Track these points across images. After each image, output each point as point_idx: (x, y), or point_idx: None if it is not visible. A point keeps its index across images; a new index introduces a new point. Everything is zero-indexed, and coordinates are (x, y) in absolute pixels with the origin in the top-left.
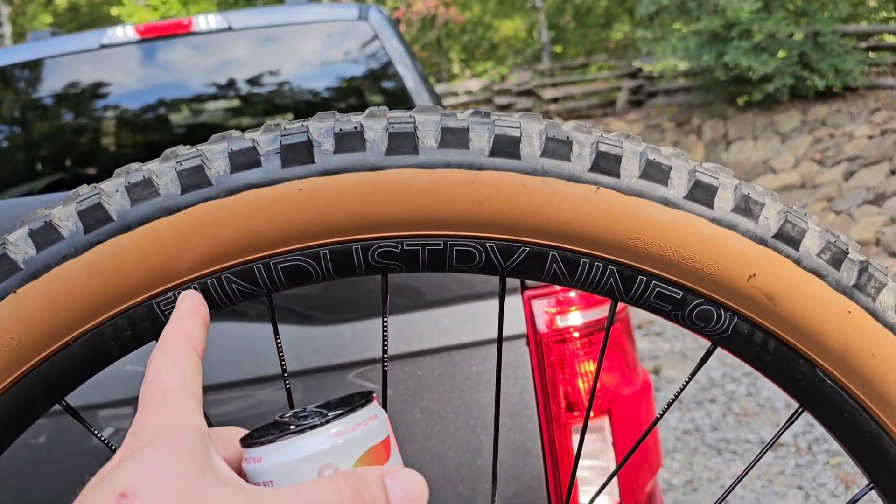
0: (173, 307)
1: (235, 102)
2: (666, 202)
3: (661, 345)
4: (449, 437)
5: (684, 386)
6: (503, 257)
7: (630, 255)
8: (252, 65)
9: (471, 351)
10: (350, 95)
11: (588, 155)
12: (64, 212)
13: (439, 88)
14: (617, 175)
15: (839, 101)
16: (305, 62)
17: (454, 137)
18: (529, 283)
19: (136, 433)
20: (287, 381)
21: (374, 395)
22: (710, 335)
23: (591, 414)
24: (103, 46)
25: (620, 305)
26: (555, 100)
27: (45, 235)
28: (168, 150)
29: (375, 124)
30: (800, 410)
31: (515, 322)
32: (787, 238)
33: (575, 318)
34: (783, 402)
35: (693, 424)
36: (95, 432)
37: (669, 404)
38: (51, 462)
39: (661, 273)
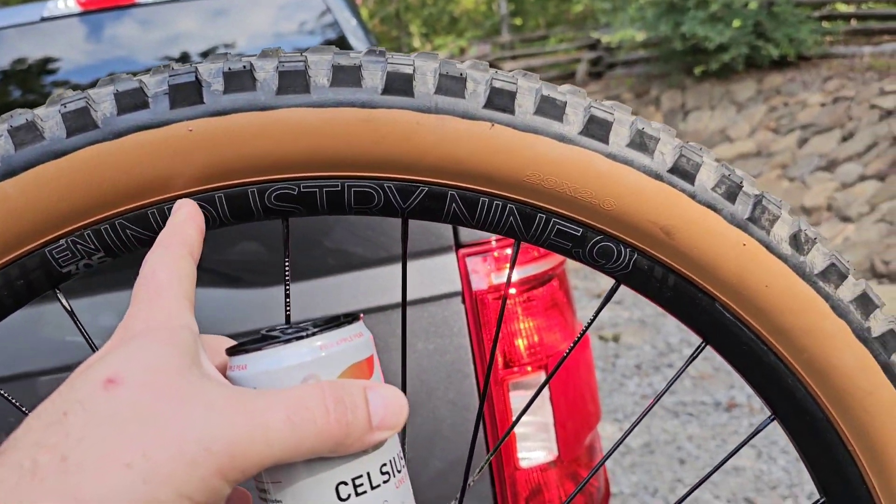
0: (67, 255)
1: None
2: (561, 138)
3: (621, 313)
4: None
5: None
6: (402, 198)
7: (528, 192)
8: (201, 38)
9: (415, 307)
10: None
11: (483, 92)
12: None
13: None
14: (511, 111)
15: (793, 70)
16: (256, 35)
17: (346, 76)
18: (464, 240)
19: (127, 326)
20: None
21: (361, 315)
22: (612, 272)
23: (530, 370)
24: (44, 20)
25: (558, 259)
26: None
27: None
28: (55, 94)
29: (267, 64)
30: (703, 345)
31: (450, 280)
32: (682, 172)
33: (514, 275)
34: None
35: (651, 389)
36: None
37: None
38: None
39: (559, 210)
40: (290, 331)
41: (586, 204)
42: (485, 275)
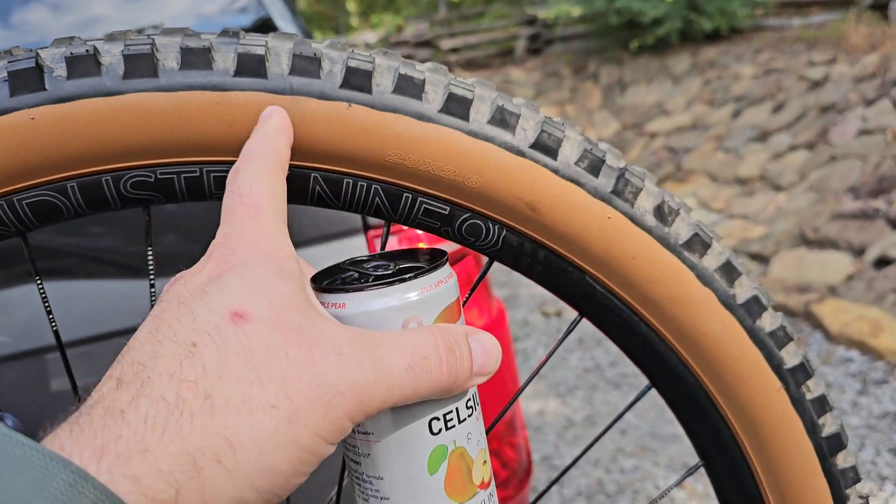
0: None
1: None
2: (421, 116)
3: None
4: None
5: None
6: None
7: (391, 172)
8: (119, 21)
9: None
10: None
11: (339, 71)
12: None
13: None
14: (369, 91)
15: (726, 43)
16: (178, 17)
17: (196, 58)
18: (372, 222)
19: (230, 247)
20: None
21: (448, 253)
22: (483, 249)
23: None
24: None
25: None
26: (454, 50)
27: None
28: None
29: (113, 48)
30: (578, 318)
31: None
32: (545, 148)
33: None
34: None
35: (593, 362)
36: None
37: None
38: None
39: (424, 189)
40: (376, 267)
41: (451, 182)
42: None
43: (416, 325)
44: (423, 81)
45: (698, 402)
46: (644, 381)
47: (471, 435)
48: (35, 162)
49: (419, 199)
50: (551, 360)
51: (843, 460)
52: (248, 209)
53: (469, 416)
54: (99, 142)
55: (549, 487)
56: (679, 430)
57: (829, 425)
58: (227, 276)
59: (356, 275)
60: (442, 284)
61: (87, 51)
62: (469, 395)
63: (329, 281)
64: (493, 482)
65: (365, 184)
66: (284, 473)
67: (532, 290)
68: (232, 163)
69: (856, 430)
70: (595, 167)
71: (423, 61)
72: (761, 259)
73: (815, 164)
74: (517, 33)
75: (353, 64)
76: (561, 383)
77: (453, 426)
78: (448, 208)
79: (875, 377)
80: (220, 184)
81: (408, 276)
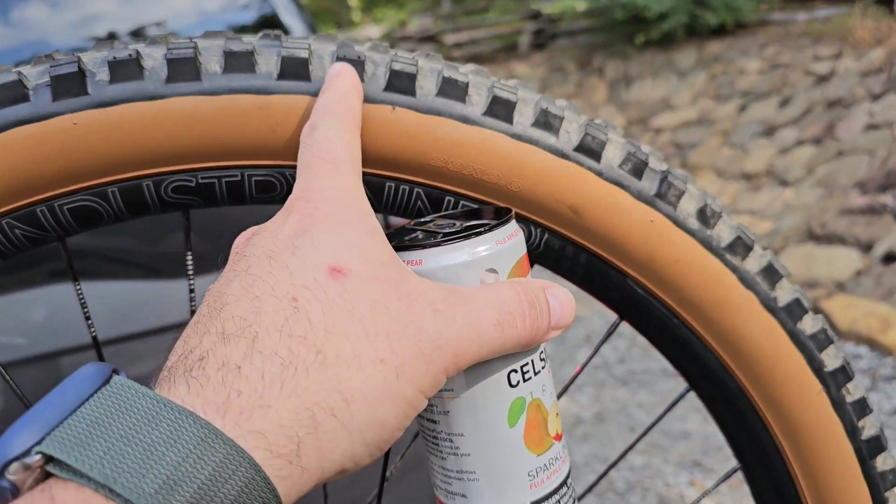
0: None
1: None
2: (465, 119)
3: (569, 285)
4: None
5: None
6: None
7: (434, 175)
8: (125, 17)
9: None
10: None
11: (383, 74)
12: None
13: (339, 37)
14: (413, 94)
15: (732, 38)
16: (183, 12)
17: (239, 61)
18: (393, 220)
19: (311, 200)
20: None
21: (513, 210)
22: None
23: None
24: None
25: None
26: (458, 45)
27: None
28: None
29: (155, 51)
30: (618, 321)
31: None
32: (588, 150)
33: None
34: None
35: (601, 359)
36: None
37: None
38: None
39: (466, 192)
40: (445, 226)
41: (493, 185)
42: None
43: (493, 280)
44: (467, 84)
45: (737, 404)
46: (656, 378)
47: (545, 387)
48: (78, 167)
49: (461, 202)
50: (559, 357)
51: (882, 463)
52: (326, 164)
53: (542, 367)
54: (141, 146)
55: (589, 489)
56: (689, 426)
57: (868, 428)
58: (315, 231)
59: (425, 234)
60: (514, 237)
61: (130, 55)
62: (542, 348)
63: (404, 238)
64: (565, 434)
65: (407, 187)
66: (391, 427)
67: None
68: (275, 167)
69: None
70: (638, 170)
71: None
72: None
73: (822, 160)
74: (522, 28)
75: (396, 67)
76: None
77: (530, 378)
78: None
79: (884, 373)
80: (262, 188)
81: (481, 229)
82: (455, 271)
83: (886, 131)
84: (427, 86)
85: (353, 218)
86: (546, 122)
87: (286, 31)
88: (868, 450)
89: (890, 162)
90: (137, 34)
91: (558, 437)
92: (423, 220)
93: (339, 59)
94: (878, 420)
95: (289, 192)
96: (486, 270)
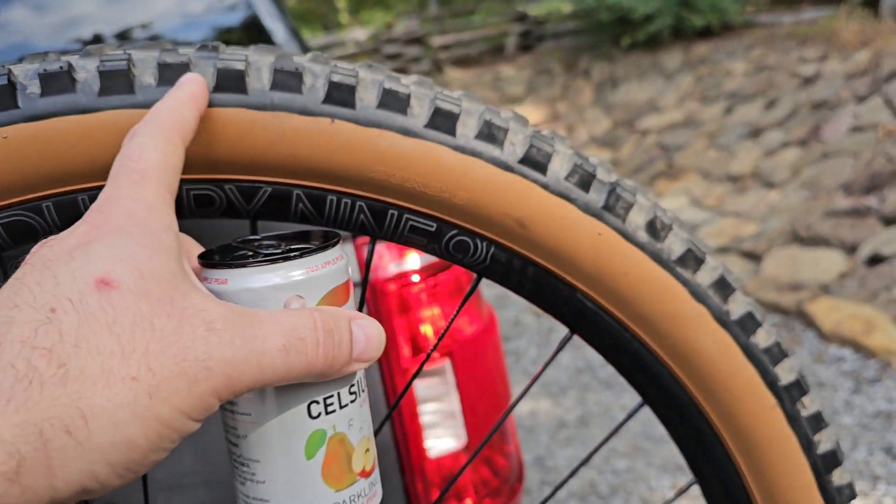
0: None
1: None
2: (406, 132)
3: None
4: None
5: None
6: (245, 199)
7: (376, 188)
8: (109, 20)
9: None
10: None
11: (321, 86)
12: None
13: (326, 39)
14: (353, 106)
15: (718, 39)
16: (163, 15)
17: (174, 74)
18: None
19: (106, 211)
20: None
21: (340, 236)
22: (471, 266)
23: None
24: None
25: None
26: (445, 47)
27: None
28: None
29: (88, 63)
30: (569, 336)
31: (349, 269)
32: (534, 163)
33: (413, 262)
34: None
35: (585, 362)
36: None
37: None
38: None
39: (411, 206)
40: (267, 246)
41: (437, 198)
42: (384, 264)
43: (299, 306)
44: (409, 96)
45: (692, 419)
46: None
47: (353, 421)
48: (9, 182)
49: (405, 215)
50: (543, 360)
51: (839, 477)
52: (133, 174)
53: (352, 401)
54: (74, 160)
55: (545, 501)
56: None
57: (824, 442)
58: (96, 242)
59: (245, 252)
60: (329, 266)
61: (62, 67)
62: (353, 381)
63: (211, 256)
64: (376, 471)
65: (349, 200)
66: (141, 448)
67: (514, 298)
68: (213, 180)
69: (849, 429)
70: (585, 182)
71: (414, 59)
72: (754, 257)
73: (808, 161)
74: (508, 30)
75: (335, 79)
76: (553, 383)
77: (333, 411)
78: (435, 225)
79: (868, 376)
80: (201, 202)
81: (293, 254)
82: (259, 294)
83: (871, 133)
84: (367, 97)
85: (141, 231)
86: (490, 133)
87: (268, 34)
88: (824, 464)
89: (875, 164)
90: (123, 37)
91: (365, 474)
92: (252, 238)
93: (276, 70)
94: (834, 434)
95: (229, 206)
96: (294, 296)
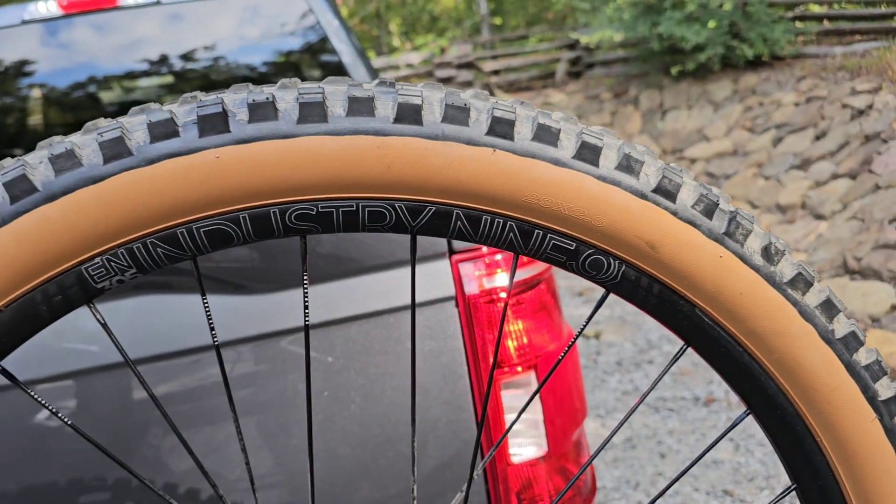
0: (102, 272)
1: (168, 79)
2: (556, 162)
3: (602, 311)
4: (385, 397)
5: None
6: (412, 216)
7: (526, 211)
8: (182, 41)
9: (403, 314)
10: (286, 71)
11: (485, 120)
12: None
13: (379, 62)
14: (511, 138)
15: (768, 70)
16: (238, 37)
17: (360, 106)
18: (457, 246)
19: None
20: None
21: None
22: (602, 282)
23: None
24: (24, 22)
25: (545, 265)
26: (495, 72)
27: None
28: (89, 123)
29: (287, 95)
30: (684, 348)
31: (445, 285)
32: (665, 192)
33: (502, 280)
34: None
35: (632, 385)
36: (35, 396)
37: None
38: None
39: (555, 227)
40: None
41: (579, 221)
42: (477, 279)
43: None
44: (559, 130)
45: (795, 428)
46: (687, 405)
47: None
48: (217, 196)
49: (549, 235)
50: (591, 381)
51: None
52: None
53: None
54: (272, 179)
55: None
56: (719, 455)
57: None
58: None
59: None
60: None
61: (267, 98)
62: None
63: None
64: None
65: (501, 221)
66: None
67: (571, 311)
68: (386, 199)
69: None
70: (709, 210)
71: (465, 83)
72: None
73: (858, 193)
74: (559, 56)
75: (497, 114)
76: (600, 405)
77: None
78: (574, 244)
79: None
80: (374, 217)
81: None
82: None
83: None
84: (524, 131)
85: None
86: (628, 165)
87: (336, 55)
88: None
89: None
90: (187, 58)
91: None
92: None
93: (447, 105)
94: None
95: (397, 222)
96: None
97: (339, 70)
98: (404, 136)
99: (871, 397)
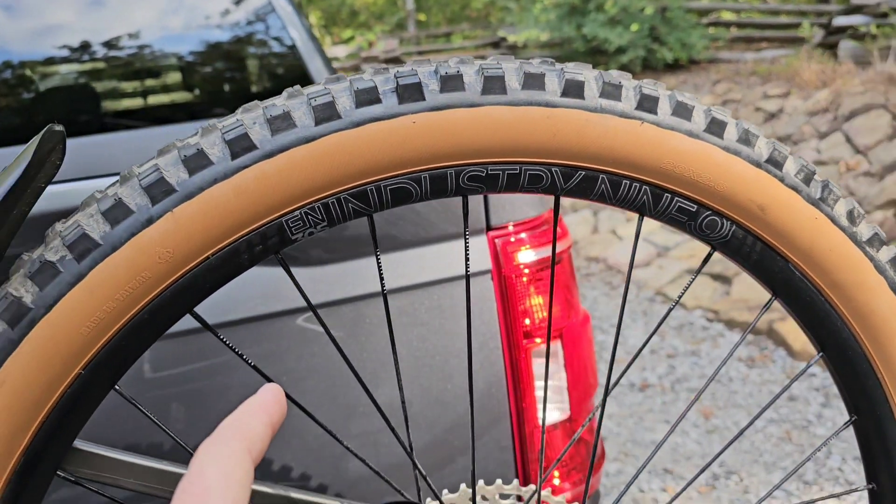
0: (299, 224)
1: (113, 62)
2: (690, 133)
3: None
4: (434, 364)
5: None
6: (564, 180)
7: (661, 176)
8: (132, 22)
9: (448, 285)
10: (236, 55)
11: (633, 96)
12: (208, 141)
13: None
14: (655, 113)
15: (685, 73)
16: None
17: (534, 81)
18: (493, 222)
19: None
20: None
21: None
22: (712, 241)
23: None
24: None
25: (567, 243)
26: None
27: (196, 161)
28: (291, 89)
29: (468, 69)
30: (772, 299)
31: (482, 259)
32: (775, 162)
33: (530, 256)
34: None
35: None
36: (224, 340)
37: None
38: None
39: (682, 191)
40: None
41: (704, 186)
42: (511, 255)
43: None
44: (693, 107)
45: (860, 367)
46: (634, 392)
47: None
48: (409, 157)
49: (676, 198)
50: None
51: None
52: (195, 495)
53: None
54: (456, 143)
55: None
56: (656, 436)
57: None
58: None
59: None
60: None
61: (457, 71)
62: None
63: None
64: None
65: (638, 185)
66: None
67: None
68: (546, 164)
69: (822, 439)
70: (808, 179)
71: None
72: (724, 280)
73: None
74: (484, 54)
75: (645, 91)
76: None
77: None
78: (696, 207)
79: (836, 391)
80: (532, 180)
81: None
82: None
83: (833, 167)
84: (665, 107)
85: None
86: (746, 138)
87: (291, 40)
88: None
89: None
90: (111, 44)
91: None
92: None
93: (604, 83)
94: None
95: (550, 185)
96: None
97: (293, 54)
98: (569, 108)
99: None
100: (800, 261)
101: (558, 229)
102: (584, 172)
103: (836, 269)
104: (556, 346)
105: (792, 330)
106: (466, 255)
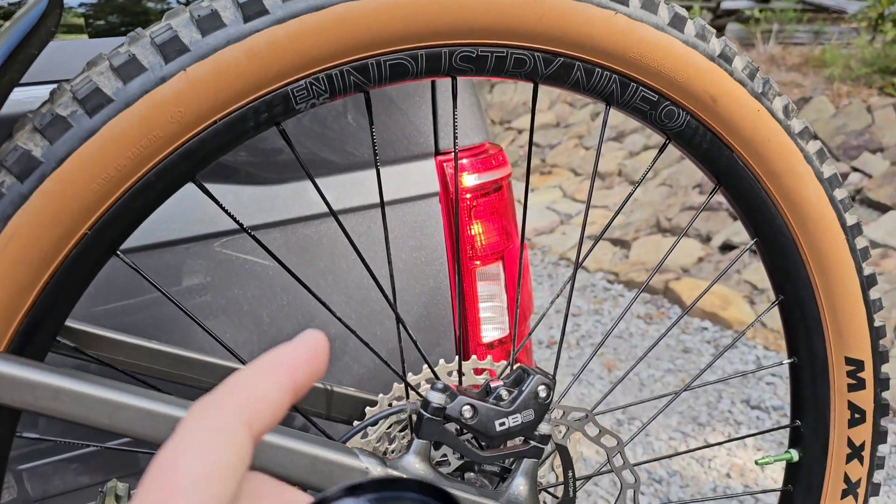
0: (304, 94)
1: None
2: (656, 26)
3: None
4: (384, 281)
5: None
6: (545, 65)
7: (630, 65)
8: None
9: (399, 206)
10: None
11: None
12: (220, 3)
13: None
14: (627, 4)
15: None
16: None
17: None
18: (441, 147)
19: None
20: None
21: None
22: (670, 130)
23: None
24: None
25: (506, 171)
26: None
27: (209, 22)
28: None
29: None
30: (717, 187)
31: (430, 182)
32: (726, 57)
33: (472, 180)
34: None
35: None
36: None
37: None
38: None
39: (646, 80)
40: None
41: (666, 76)
42: (459, 178)
43: None
44: (659, 2)
45: (789, 250)
46: (542, 349)
47: None
48: (411, 31)
49: (640, 88)
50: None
51: (874, 294)
52: (158, 497)
53: None
54: (452, 21)
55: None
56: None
57: (866, 271)
58: None
59: None
60: None
61: None
62: None
63: None
64: None
65: (608, 73)
66: None
67: None
68: (530, 48)
69: (713, 386)
70: (752, 74)
71: None
72: (623, 244)
73: (666, 163)
74: None
75: None
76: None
77: None
78: (657, 97)
79: (725, 343)
80: (517, 64)
81: None
82: None
83: None
84: (634, 1)
85: None
86: (703, 34)
87: None
88: (867, 282)
89: None
90: None
91: None
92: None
93: None
94: (871, 265)
95: (532, 70)
96: None
97: None
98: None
99: (843, 223)
100: (742, 150)
101: (501, 158)
102: (562, 59)
103: (773, 158)
104: (498, 267)
105: (685, 289)
106: (455, 133)
